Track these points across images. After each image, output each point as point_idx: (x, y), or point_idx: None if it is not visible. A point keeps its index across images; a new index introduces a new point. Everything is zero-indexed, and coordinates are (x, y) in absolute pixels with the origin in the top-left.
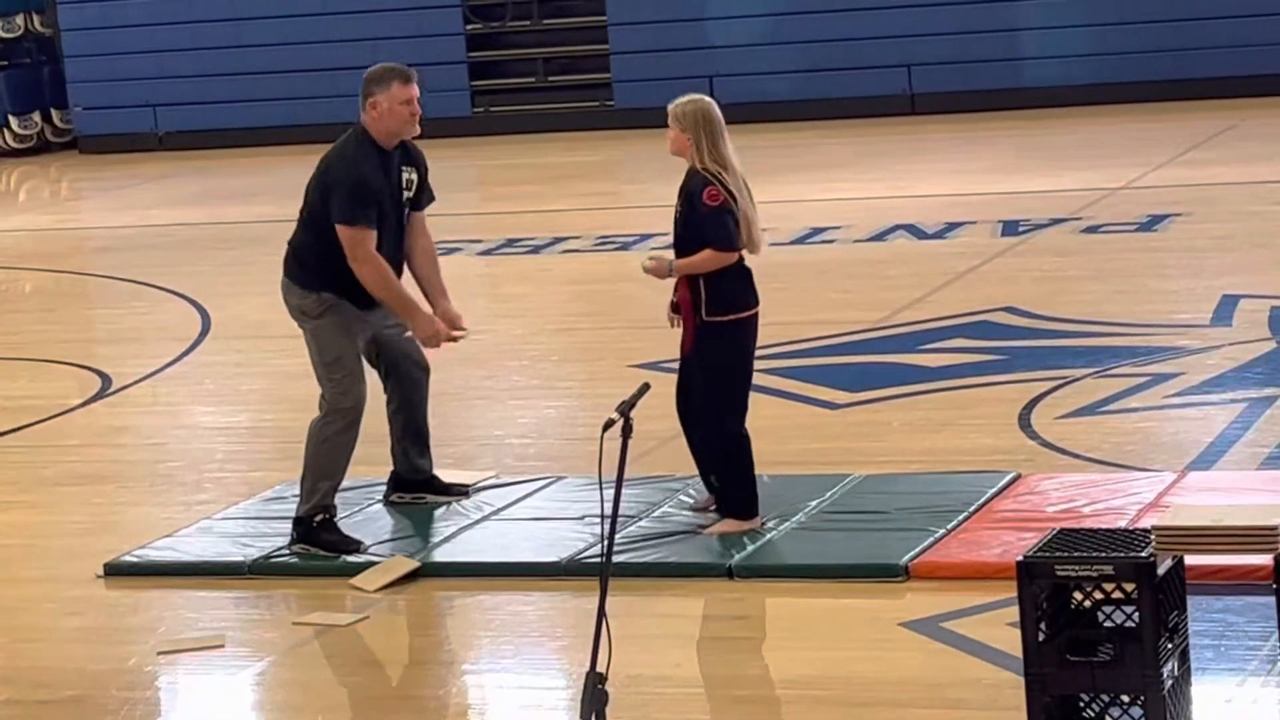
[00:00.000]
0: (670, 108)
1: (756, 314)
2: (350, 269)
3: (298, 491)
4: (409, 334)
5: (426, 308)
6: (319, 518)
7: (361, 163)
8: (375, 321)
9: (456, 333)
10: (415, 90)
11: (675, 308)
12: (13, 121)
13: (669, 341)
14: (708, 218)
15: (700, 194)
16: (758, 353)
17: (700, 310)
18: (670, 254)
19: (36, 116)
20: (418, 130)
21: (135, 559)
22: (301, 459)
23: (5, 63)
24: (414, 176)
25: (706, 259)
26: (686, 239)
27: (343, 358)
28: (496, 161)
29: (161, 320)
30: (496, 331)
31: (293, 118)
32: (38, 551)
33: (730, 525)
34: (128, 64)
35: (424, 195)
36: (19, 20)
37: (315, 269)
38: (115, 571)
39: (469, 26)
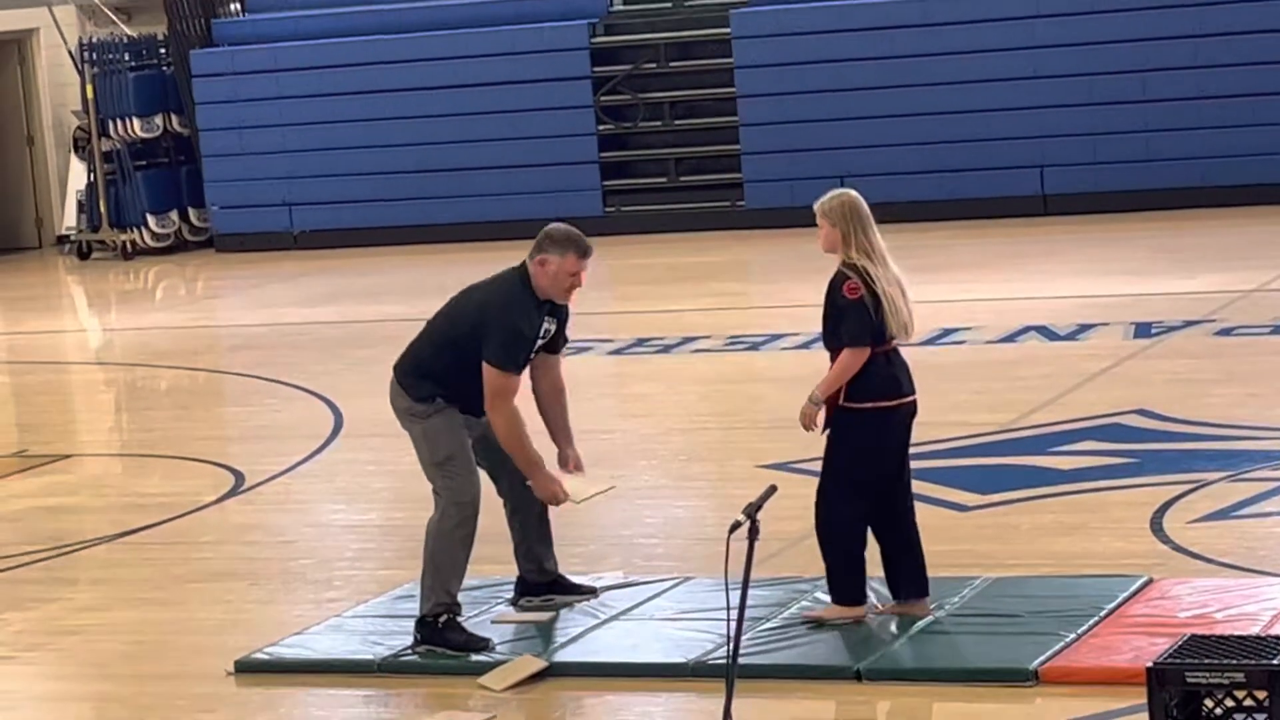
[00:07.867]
0: (816, 206)
1: (906, 403)
2: (473, 392)
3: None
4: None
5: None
6: (444, 618)
7: (523, 313)
8: (481, 422)
9: (570, 489)
10: (585, 266)
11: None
12: (150, 220)
13: (798, 443)
14: (845, 311)
15: (840, 288)
16: None
17: (840, 394)
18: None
19: (174, 215)
20: (569, 302)
21: (266, 656)
22: None
23: (144, 162)
24: (552, 328)
25: (845, 362)
26: (828, 334)
27: (455, 455)
28: (627, 261)
29: (294, 418)
30: (625, 431)
31: (426, 217)
32: (169, 648)
33: (833, 611)
34: (264, 164)
35: (559, 340)
36: (158, 120)
37: (438, 383)
38: (246, 669)
39: (601, 127)
